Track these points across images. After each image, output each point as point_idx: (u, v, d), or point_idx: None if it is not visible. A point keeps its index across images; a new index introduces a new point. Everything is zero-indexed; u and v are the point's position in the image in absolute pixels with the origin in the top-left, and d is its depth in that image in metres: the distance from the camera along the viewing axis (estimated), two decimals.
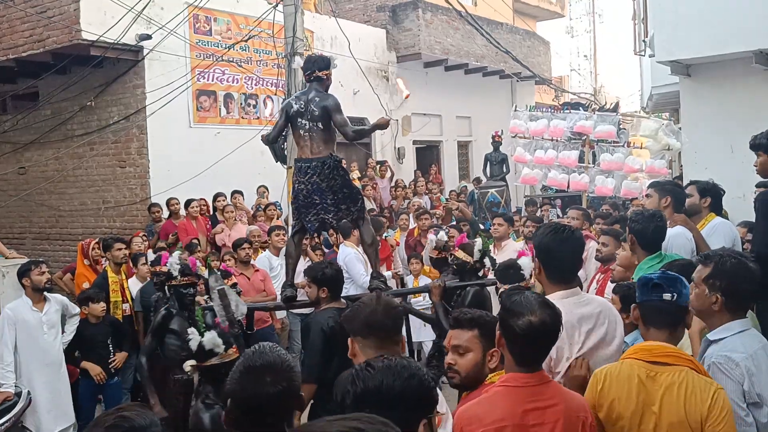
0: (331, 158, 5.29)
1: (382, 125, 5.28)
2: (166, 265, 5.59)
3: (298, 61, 5.72)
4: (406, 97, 5.77)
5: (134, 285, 7.42)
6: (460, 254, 5.40)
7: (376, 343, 2.79)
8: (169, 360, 5.33)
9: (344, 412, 1.77)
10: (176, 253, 5.74)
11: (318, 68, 5.43)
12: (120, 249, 7.31)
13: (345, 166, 5.77)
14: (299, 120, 5.30)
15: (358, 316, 2.88)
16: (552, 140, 11.14)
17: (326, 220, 5.40)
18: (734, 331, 2.88)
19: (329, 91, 5.50)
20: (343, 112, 5.34)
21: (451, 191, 14.67)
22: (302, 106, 5.31)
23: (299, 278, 6.21)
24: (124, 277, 7.29)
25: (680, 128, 10.11)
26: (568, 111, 11.35)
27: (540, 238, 3.17)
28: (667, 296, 2.74)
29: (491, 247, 5.57)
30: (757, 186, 7.33)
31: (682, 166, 11.78)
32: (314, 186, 5.26)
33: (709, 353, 2.88)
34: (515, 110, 12.30)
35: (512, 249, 7.15)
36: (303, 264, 6.93)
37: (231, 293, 4.86)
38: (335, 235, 8.91)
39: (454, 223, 10.34)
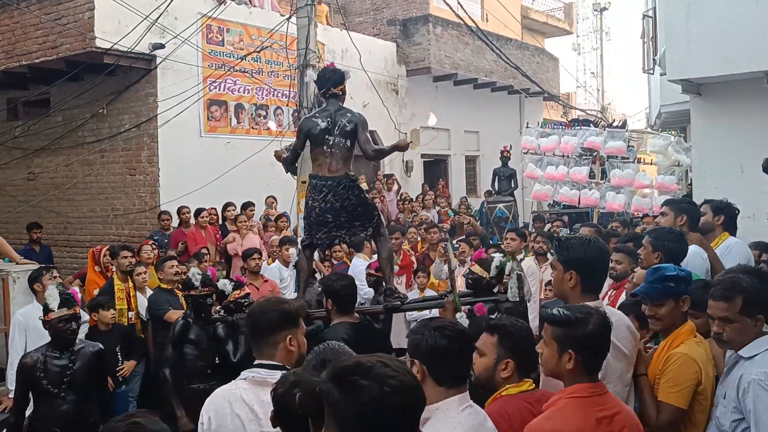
0: (347, 178, 5.19)
1: (402, 147, 5.21)
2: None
3: (311, 75, 5.63)
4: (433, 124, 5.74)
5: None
6: (477, 269, 5.34)
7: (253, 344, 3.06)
8: (187, 370, 5.31)
9: None
10: (194, 269, 5.77)
11: (333, 85, 5.33)
12: (126, 257, 7.28)
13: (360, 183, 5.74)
14: (326, 137, 5.18)
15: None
16: (563, 156, 11.16)
17: (338, 237, 5.34)
18: (765, 346, 2.88)
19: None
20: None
21: (460, 204, 14.68)
22: (329, 122, 5.20)
23: None
24: (131, 285, 7.27)
25: (690, 146, 10.11)
26: (579, 127, 11.37)
27: (581, 251, 3.18)
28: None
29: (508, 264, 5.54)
30: None
31: (690, 184, 11.78)
32: (328, 205, 5.16)
33: (747, 371, 2.84)
34: (527, 126, 12.32)
35: (524, 264, 7.14)
36: None
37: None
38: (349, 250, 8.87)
39: (464, 237, 10.33)
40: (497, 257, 5.38)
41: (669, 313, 3.28)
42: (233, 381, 2.93)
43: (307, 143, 5.39)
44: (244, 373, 2.91)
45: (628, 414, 2.67)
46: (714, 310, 2.98)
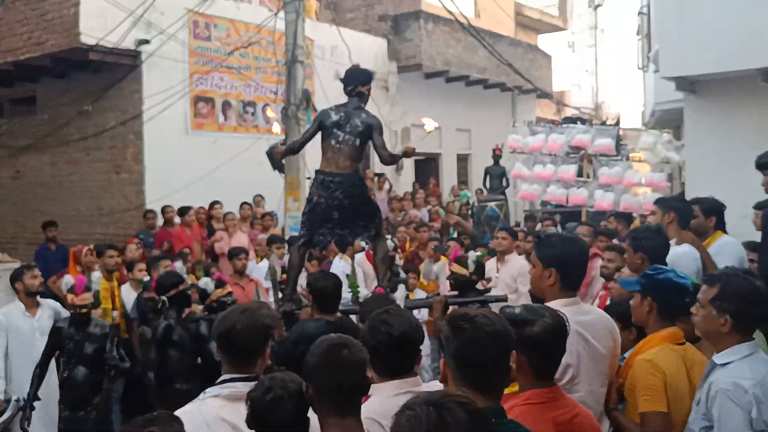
0: (356, 175, 5.21)
1: (410, 154, 5.21)
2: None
3: (339, 73, 5.61)
4: (430, 132, 5.75)
5: (126, 292, 7.30)
6: (456, 268, 5.32)
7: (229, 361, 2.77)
8: (170, 371, 5.34)
9: None
10: (205, 279, 5.77)
11: (361, 83, 5.33)
12: (112, 256, 7.25)
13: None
14: (335, 131, 5.17)
15: (219, 328, 2.81)
16: (550, 155, 11.08)
17: (341, 236, 5.32)
18: (741, 354, 2.79)
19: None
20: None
21: (448, 203, 14.57)
22: (342, 117, 5.19)
23: None
24: (115, 284, 7.20)
25: (683, 144, 10.04)
26: (566, 125, 11.30)
27: (559, 248, 3.17)
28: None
29: (495, 260, 5.49)
30: (755, 208, 7.23)
31: (683, 182, 11.73)
32: (336, 202, 5.14)
33: (716, 378, 2.77)
34: (513, 125, 12.25)
35: (516, 263, 7.05)
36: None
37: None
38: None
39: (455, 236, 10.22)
40: (472, 253, 5.35)
41: (635, 308, 3.29)
42: (200, 400, 2.71)
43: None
44: (213, 390, 2.71)
45: (586, 414, 2.61)
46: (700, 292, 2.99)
